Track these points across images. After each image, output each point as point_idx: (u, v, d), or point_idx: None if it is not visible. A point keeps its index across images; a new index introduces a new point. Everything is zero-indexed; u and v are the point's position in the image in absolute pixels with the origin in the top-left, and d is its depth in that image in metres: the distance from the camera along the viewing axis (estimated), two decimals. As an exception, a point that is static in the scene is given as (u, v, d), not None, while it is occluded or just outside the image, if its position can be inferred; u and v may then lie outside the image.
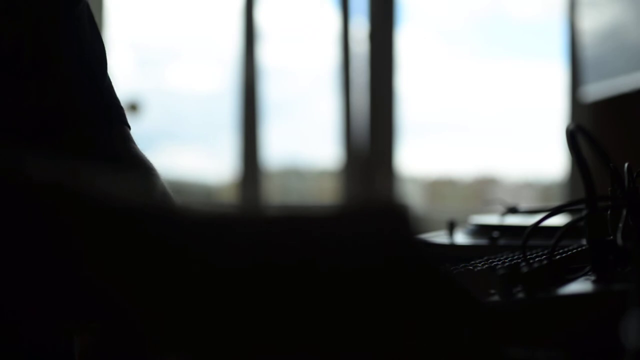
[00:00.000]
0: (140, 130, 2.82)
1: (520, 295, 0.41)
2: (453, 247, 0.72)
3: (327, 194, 2.98)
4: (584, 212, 0.49)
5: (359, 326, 0.30)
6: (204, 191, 3.26)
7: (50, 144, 0.63)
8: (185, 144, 3.19)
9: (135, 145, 0.67)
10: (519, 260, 0.51)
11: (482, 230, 0.78)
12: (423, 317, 0.31)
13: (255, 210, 0.33)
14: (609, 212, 0.50)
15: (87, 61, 0.66)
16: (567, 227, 0.48)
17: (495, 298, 0.42)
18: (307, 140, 3.04)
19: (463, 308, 0.32)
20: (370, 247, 0.31)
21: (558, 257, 0.50)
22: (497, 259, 0.54)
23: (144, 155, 0.67)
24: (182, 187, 3.25)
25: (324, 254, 0.31)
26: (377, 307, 0.30)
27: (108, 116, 0.66)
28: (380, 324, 0.30)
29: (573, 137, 0.49)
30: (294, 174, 3.15)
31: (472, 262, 0.53)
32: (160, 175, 0.67)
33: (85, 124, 0.65)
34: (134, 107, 2.73)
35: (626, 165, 0.52)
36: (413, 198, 2.90)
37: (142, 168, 0.66)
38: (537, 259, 0.50)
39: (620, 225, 0.48)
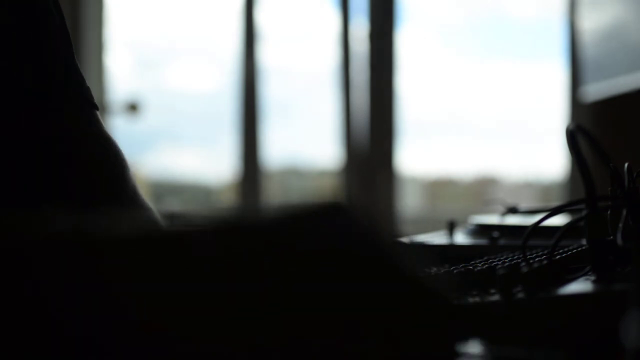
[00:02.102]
0: (140, 130, 2.82)
1: (520, 295, 0.41)
2: (453, 247, 0.72)
3: (327, 194, 2.98)
4: (584, 212, 0.49)
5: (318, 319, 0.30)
6: (204, 191, 3.26)
7: (28, 128, 0.62)
8: (185, 144, 3.19)
9: (104, 127, 0.67)
10: (519, 260, 0.51)
11: (482, 230, 0.78)
12: (380, 309, 0.31)
13: (194, 226, 0.32)
14: (609, 212, 0.50)
15: (64, 42, 0.65)
16: (567, 227, 0.48)
17: (495, 298, 0.42)
18: (307, 140, 3.04)
19: (415, 295, 0.32)
20: (321, 244, 0.31)
21: (558, 257, 0.50)
22: (497, 259, 0.54)
23: (112, 137, 0.67)
24: (182, 188, 3.25)
25: (275, 261, 0.30)
26: (331, 297, 0.30)
27: (81, 98, 0.65)
28: (339, 316, 0.30)
29: (573, 137, 0.49)
30: (294, 174, 3.15)
31: (472, 262, 0.53)
32: (128, 164, 0.66)
33: (66, 107, 0.64)
34: (133, 107, 2.74)
35: (626, 165, 0.52)
36: (413, 198, 2.90)
37: (112, 156, 0.65)
38: (537, 259, 0.50)
39: (620, 225, 0.48)
